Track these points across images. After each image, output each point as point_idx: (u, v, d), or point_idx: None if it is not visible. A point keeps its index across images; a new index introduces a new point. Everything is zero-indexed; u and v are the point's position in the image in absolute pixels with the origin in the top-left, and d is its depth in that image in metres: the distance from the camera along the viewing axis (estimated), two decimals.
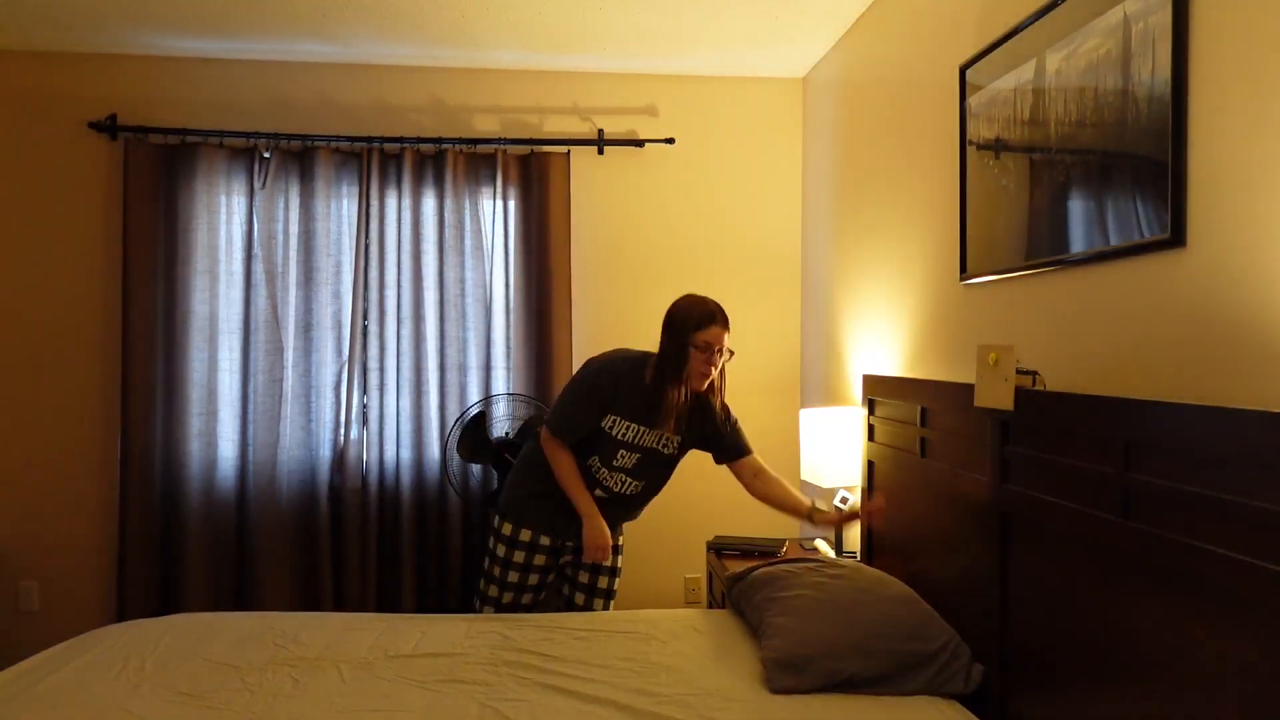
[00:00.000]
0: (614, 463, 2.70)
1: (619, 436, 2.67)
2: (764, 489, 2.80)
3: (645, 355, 2.70)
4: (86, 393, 3.81)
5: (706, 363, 2.59)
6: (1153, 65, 1.69)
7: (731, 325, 2.68)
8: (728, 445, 2.78)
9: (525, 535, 2.76)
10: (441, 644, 2.44)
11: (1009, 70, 2.23)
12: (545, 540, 2.76)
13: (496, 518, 2.84)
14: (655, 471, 2.76)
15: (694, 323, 2.58)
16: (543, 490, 2.76)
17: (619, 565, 2.92)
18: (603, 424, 2.66)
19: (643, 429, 2.67)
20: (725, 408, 2.78)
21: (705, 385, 2.64)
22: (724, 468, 2.86)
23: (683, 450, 2.78)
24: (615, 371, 2.69)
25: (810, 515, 2.76)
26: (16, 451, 3.79)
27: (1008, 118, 2.24)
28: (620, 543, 2.91)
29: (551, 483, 2.73)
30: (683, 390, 2.61)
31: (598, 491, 2.73)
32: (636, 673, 2.24)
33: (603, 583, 2.87)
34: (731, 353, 2.67)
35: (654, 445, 2.70)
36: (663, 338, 2.64)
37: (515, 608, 2.80)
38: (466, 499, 3.80)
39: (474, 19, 3.43)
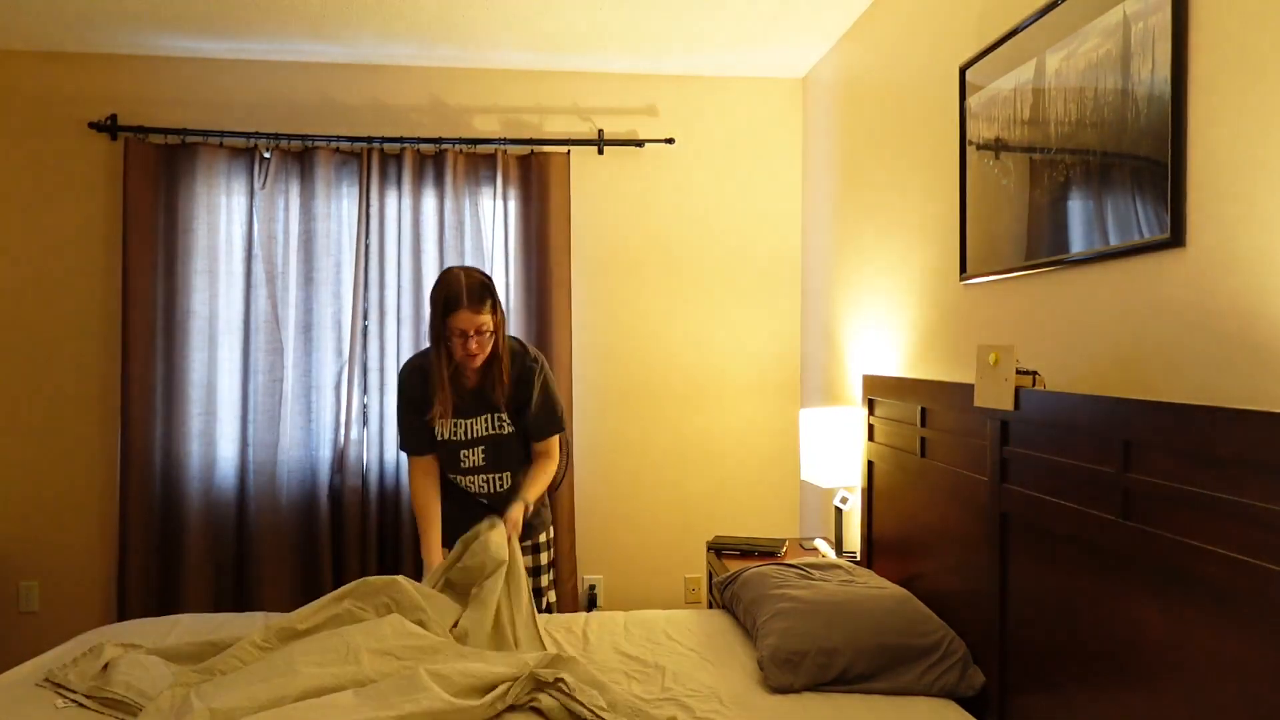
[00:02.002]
0: (463, 465, 2.61)
1: (450, 437, 2.59)
2: (533, 466, 2.65)
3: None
4: (86, 393, 3.81)
5: (464, 347, 2.45)
6: (1152, 65, 1.69)
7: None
8: (529, 425, 2.63)
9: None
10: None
11: (1009, 70, 2.23)
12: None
13: None
14: (510, 453, 2.63)
15: (442, 308, 2.45)
16: (448, 500, 2.69)
17: (550, 561, 2.79)
18: (436, 433, 2.59)
19: (464, 421, 2.58)
20: (544, 383, 2.62)
21: (481, 363, 2.51)
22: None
23: (517, 424, 2.62)
24: (417, 368, 2.62)
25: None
26: (17, 451, 3.79)
27: (1008, 118, 2.24)
28: (544, 539, 2.76)
29: (448, 494, 2.67)
30: (449, 366, 2.51)
31: (483, 500, 2.64)
32: (633, 674, 2.24)
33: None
34: (496, 326, 2.50)
35: (488, 431, 2.60)
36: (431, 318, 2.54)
37: None
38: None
39: (474, 19, 3.43)
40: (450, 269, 2.52)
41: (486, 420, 2.60)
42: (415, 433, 2.63)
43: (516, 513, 2.52)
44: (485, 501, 2.66)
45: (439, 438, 2.61)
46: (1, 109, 3.79)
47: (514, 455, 2.65)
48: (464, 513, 2.62)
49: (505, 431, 2.62)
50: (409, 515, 3.81)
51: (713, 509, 4.11)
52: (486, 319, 2.46)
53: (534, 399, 2.61)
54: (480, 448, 2.61)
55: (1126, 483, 1.61)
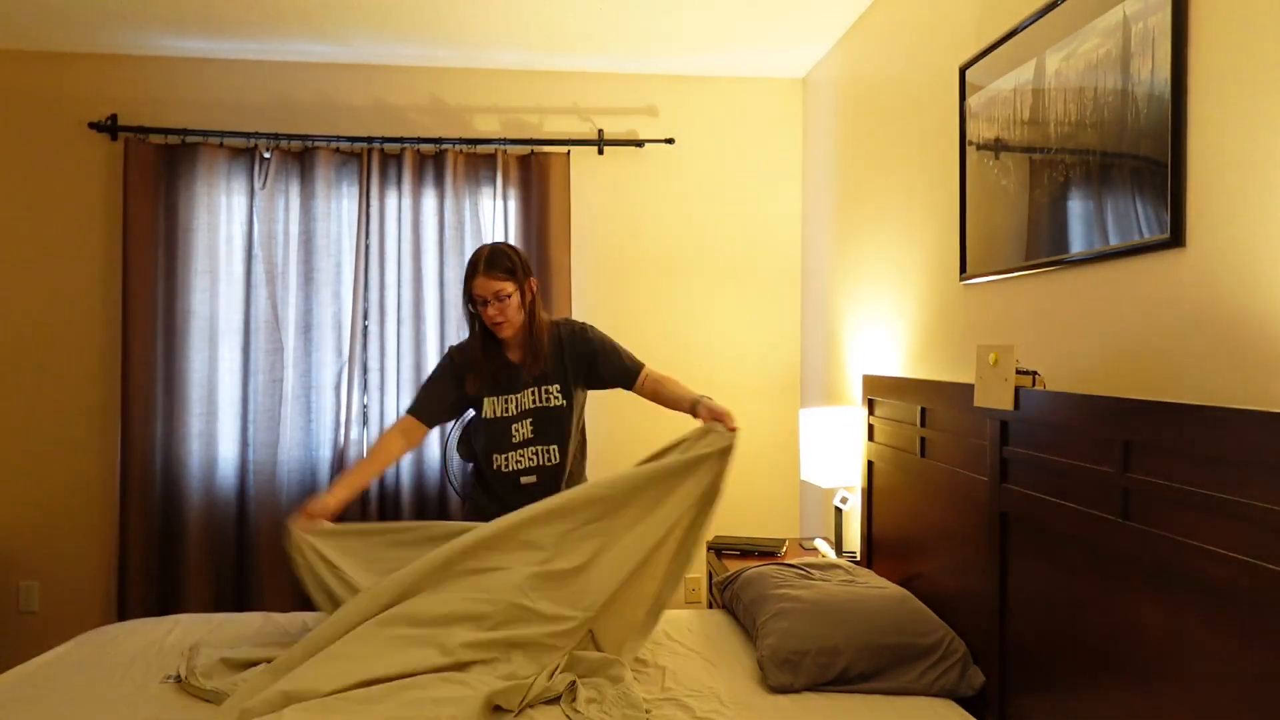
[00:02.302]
0: (514, 439, 2.62)
1: (501, 414, 2.62)
2: (655, 390, 2.68)
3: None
4: (86, 393, 3.81)
5: (485, 313, 2.54)
6: (1152, 65, 1.69)
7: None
8: (611, 374, 2.68)
9: None
10: None
11: (1009, 70, 2.23)
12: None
13: None
14: (558, 428, 2.65)
15: (466, 278, 2.56)
16: (487, 495, 2.70)
17: None
18: (484, 413, 2.62)
19: (513, 396, 2.62)
20: (601, 342, 2.68)
21: (510, 332, 2.58)
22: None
23: (570, 396, 2.65)
24: (460, 349, 2.70)
25: (693, 409, 2.60)
26: (17, 451, 3.79)
27: (1008, 118, 2.24)
28: None
29: (488, 487, 2.69)
30: (483, 339, 2.59)
31: (523, 480, 2.63)
32: (634, 674, 2.24)
33: None
34: (529, 291, 2.58)
35: (536, 404, 2.63)
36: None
37: None
38: (466, 499, 3.80)
39: (474, 19, 3.43)
40: (484, 245, 2.63)
41: (533, 394, 2.63)
42: (433, 399, 2.67)
43: (717, 405, 2.52)
44: (533, 479, 2.63)
45: (487, 417, 2.63)
46: (1, 109, 3.79)
47: (562, 428, 2.66)
48: (518, 500, 2.54)
49: (553, 404, 2.65)
50: (409, 515, 3.81)
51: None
52: (504, 285, 2.51)
53: (600, 354, 2.66)
54: (529, 420, 2.64)
55: (1126, 483, 1.61)
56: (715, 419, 2.47)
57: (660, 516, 2.34)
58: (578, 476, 2.76)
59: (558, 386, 2.64)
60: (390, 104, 3.95)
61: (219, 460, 3.78)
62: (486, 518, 2.49)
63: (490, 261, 2.53)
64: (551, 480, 2.65)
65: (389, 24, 3.48)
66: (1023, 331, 2.20)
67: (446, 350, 2.79)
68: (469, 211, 3.90)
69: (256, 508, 3.73)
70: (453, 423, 3.66)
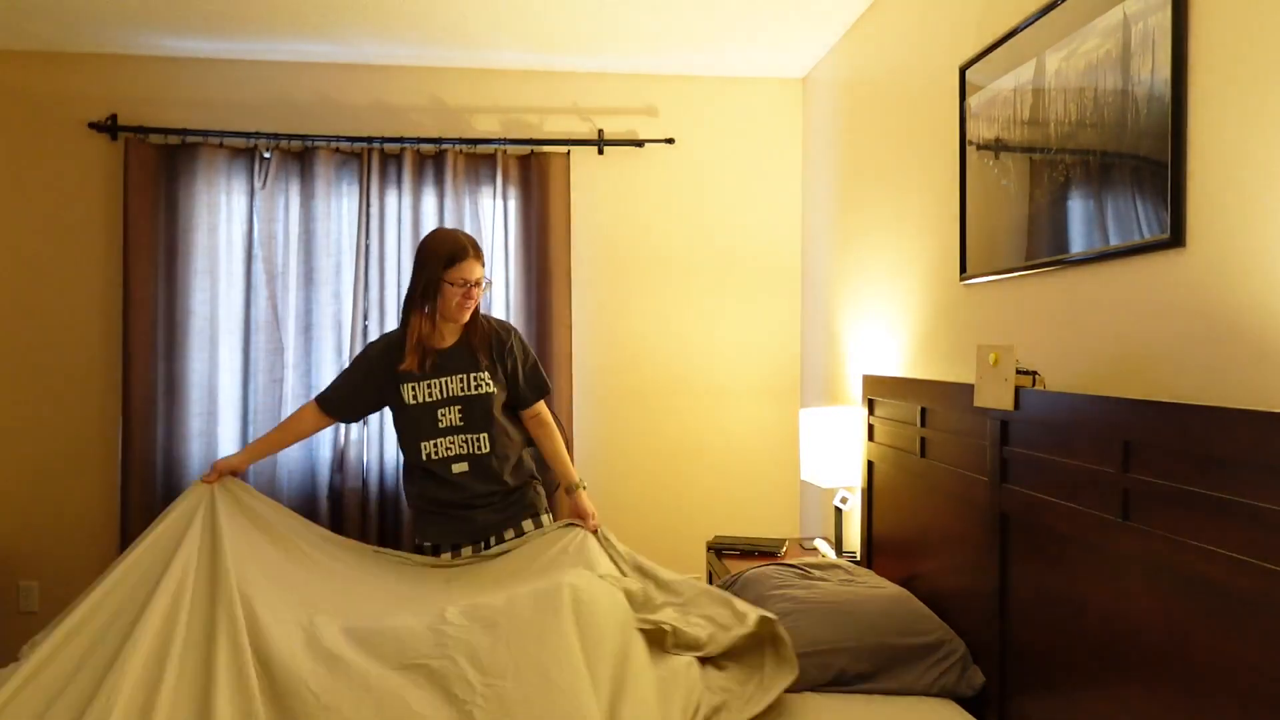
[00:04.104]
0: (440, 425, 2.62)
1: (425, 399, 2.62)
2: (539, 427, 2.77)
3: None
4: (87, 393, 3.81)
5: (465, 297, 2.57)
6: (1152, 65, 1.69)
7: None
8: (519, 391, 2.72)
9: (427, 545, 2.71)
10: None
11: (1009, 70, 2.23)
12: (467, 552, 2.65)
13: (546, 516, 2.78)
14: (486, 414, 2.64)
15: (446, 257, 2.55)
16: (421, 497, 2.69)
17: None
18: (405, 400, 2.61)
19: (438, 380, 2.63)
20: (524, 348, 2.75)
21: (466, 317, 2.62)
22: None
23: (496, 384, 2.66)
24: (383, 341, 2.72)
25: (568, 490, 2.72)
26: (17, 451, 3.79)
27: (1008, 118, 2.24)
28: (547, 521, 2.72)
29: (421, 487, 2.67)
30: (430, 322, 2.59)
31: (455, 468, 2.61)
32: None
33: None
34: (489, 282, 2.67)
35: (464, 391, 2.63)
36: (413, 274, 2.62)
37: None
38: (412, 507, 3.78)
39: (474, 19, 3.43)
40: (439, 229, 2.65)
41: (462, 380, 2.64)
42: (348, 389, 2.71)
43: (585, 501, 2.68)
44: (465, 467, 2.61)
45: (409, 402, 2.62)
46: (1, 109, 3.79)
47: (490, 416, 2.65)
48: (454, 494, 2.63)
49: (483, 391, 2.65)
50: (409, 515, 3.81)
51: (713, 509, 4.11)
52: (483, 272, 2.61)
53: (521, 361, 2.72)
54: (456, 407, 2.64)
55: (1126, 483, 1.61)
56: (579, 516, 2.64)
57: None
58: (521, 477, 2.71)
59: (487, 375, 2.66)
60: (390, 104, 3.95)
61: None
62: (434, 520, 2.61)
63: (477, 247, 2.60)
64: (482, 471, 2.63)
65: (389, 24, 3.47)
66: (1023, 331, 2.20)
67: (365, 349, 2.78)
68: (469, 211, 3.90)
69: None
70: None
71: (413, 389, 2.62)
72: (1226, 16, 1.54)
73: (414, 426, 2.64)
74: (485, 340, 2.67)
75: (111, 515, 3.78)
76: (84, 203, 3.81)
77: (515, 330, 2.77)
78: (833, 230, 3.72)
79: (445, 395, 2.63)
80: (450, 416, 2.64)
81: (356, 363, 2.77)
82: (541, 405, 2.79)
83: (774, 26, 3.50)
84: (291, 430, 2.79)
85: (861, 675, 2.14)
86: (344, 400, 2.73)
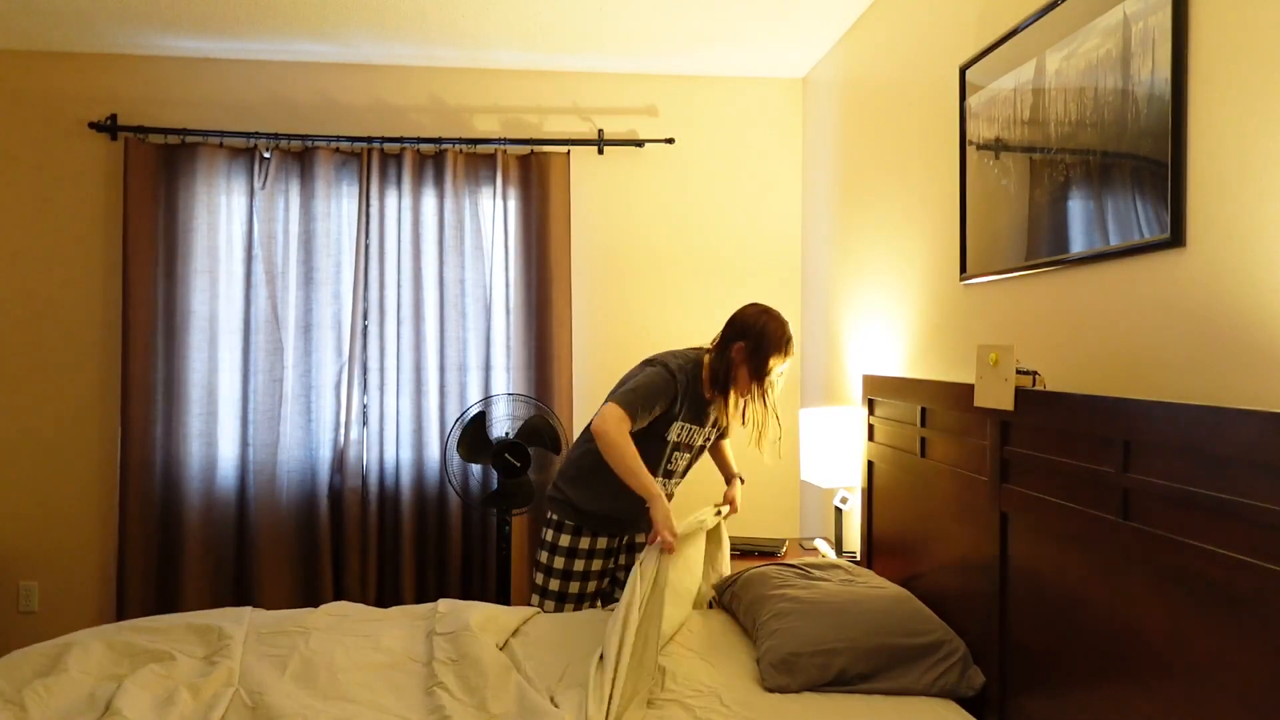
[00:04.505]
0: (668, 466, 2.68)
1: (678, 439, 2.66)
2: (715, 451, 2.94)
3: (699, 353, 2.67)
4: (86, 393, 3.81)
5: (767, 386, 2.59)
6: (1152, 65, 1.69)
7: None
8: (721, 430, 2.83)
9: (584, 543, 2.70)
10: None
11: (1009, 70, 2.23)
12: (602, 543, 2.72)
13: (549, 530, 2.72)
14: (689, 467, 2.79)
15: (780, 348, 2.57)
16: (602, 490, 2.63)
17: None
18: (667, 434, 2.61)
19: (694, 428, 2.68)
20: None
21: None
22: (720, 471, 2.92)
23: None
24: (686, 372, 2.61)
25: (727, 480, 2.92)
26: (17, 451, 3.79)
27: (1008, 118, 2.24)
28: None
29: (610, 483, 2.56)
30: (738, 400, 2.64)
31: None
32: None
33: None
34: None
35: (699, 443, 2.73)
36: (743, 348, 2.56)
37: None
38: (466, 499, 3.80)
39: (474, 19, 3.43)
40: (771, 311, 2.61)
41: (704, 434, 2.72)
42: (648, 412, 2.54)
43: (737, 491, 2.88)
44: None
45: (672, 438, 2.64)
46: (1, 109, 3.79)
47: (690, 467, 2.80)
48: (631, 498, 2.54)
49: (700, 443, 2.75)
50: (409, 515, 3.81)
51: None
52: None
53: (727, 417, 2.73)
54: (688, 456, 2.73)
55: (1126, 483, 1.61)
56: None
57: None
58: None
59: (713, 432, 2.77)
60: (390, 104, 3.95)
61: (219, 460, 3.78)
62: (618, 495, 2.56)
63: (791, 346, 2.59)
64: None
65: (389, 24, 3.48)
66: (1023, 331, 2.20)
67: (669, 364, 2.61)
68: (469, 211, 3.90)
69: (256, 508, 3.73)
70: (454, 423, 3.67)
71: (680, 428, 2.65)
72: (1226, 16, 1.54)
73: (652, 455, 2.61)
74: (732, 403, 2.66)
75: (111, 515, 3.78)
76: (84, 203, 3.81)
77: None
78: (833, 230, 3.72)
79: (691, 442, 2.70)
80: (681, 463, 2.73)
81: (658, 385, 2.56)
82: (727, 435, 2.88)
83: (774, 26, 3.50)
84: (634, 447, 2.51)
85: (862, 675, 2.14)
86: (644, 417, 2.57)
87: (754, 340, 2.56)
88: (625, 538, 2.80)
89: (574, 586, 2.72)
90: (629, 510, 2.60)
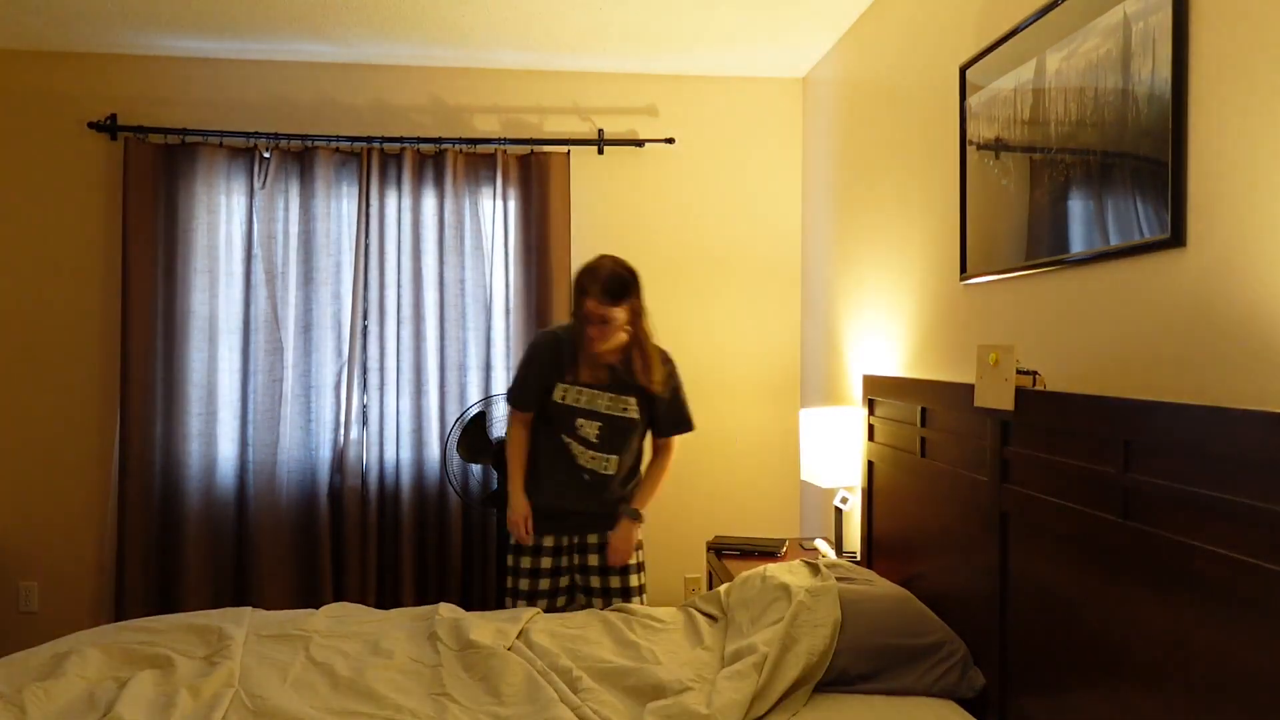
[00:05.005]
0: (578, 432, 2.69)
1: (572, 403, 2.68)
2: (659, 455, 2.85)
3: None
4: (86, 392, 3.81)
5: (586, 330, 2.61)
6: (1153, 65, 1.69)
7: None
8: (658, 419, 2.79)
9: (545, 540, 2.76)
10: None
11: (1009, 70, 2.23)
12: (549, 541, 2.75)
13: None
14: (623, 441, 2.72)
15: (579, 288, 2.61)
16: (541, 485, 2.75)
17: (640, 560, 2.84)
18: (554, 396, 2.67)
19: (589, 392, 2.68)
20: (671, 378, 2.77)
21: (602, 349, 2.65)
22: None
23: (643, 416, 2.75)
24: (553, 335, 2.75)
25: (629, 514, 2.78)
26: (16, 451, 3.79)
27: (1008, 118, 2.24)
28: (639, 540, 2.83)
29: (542, 479, 2.74)
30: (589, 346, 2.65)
31: (585, 476, 2.72)
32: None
33: (615, 583, 2.78)
34: (631, 322, 2.66)
35: (611, 411, 2.70)
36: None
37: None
38: (466, 499, 3.80)
39: (474, 19, 3.43)
40: (605, 256, 2.67)
41: (611, 399, 2.69)
42: (524, 388, 2.75)
43: (630, 532, 2.74)
44: (587, 478, 2.71)
45: (555, 399, 2.68)
46: (1, 109, 3.79)
47: (628, 444, 2.74)
48: (568, 477, 2.70)
49: (627, 415, 2.71)
50: (409, 515, 3.81)
51: (713, 509, 4.11)
52: (614, 312, 2.60)
53: (672, 394, 2.76)
54: (598, 424, 2.69)
55: (1126, 483, 1.61)
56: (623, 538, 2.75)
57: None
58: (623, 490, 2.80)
59: (635, 401, 2.71)
60: (390, 104, 3.95)
61: (218, 460, 3.78)
62: (552, 481, 2.67)
63: (607, 289, 2.58)
64: (602, 489, 2.72)
65: (389, 24, 3.47)
66: (1023, 331, 2.20)
67: (534, 339, 2.83)
68: (469, 211, 3.90)
69: (256, 508, 3.73)
70: (454, 423, 3.68)
71: (564, 390, 2.68)
72: (1226, 16, 1.54)
73: (559, 420, 2.69)
74: (658, 370, 2.70)
75: (111, 515, 3.78)
76: (84, 203, 3.81)
77: (676, 367, 2.81)
78: (833, 230, 3.72)
79: (591, 408, 2.69)
80: (588, 429, 2.70)
81: (523, 361, 2.79)
82: (674, 441, 2.83)
83: (774, 26, 3.50)
84: (519, 444, 2.78)
85: (862, 675, 2.14)
86: (526, 395, 2.76)
87: (574, 286, 2.66)
88: (575, 538, 2.78)
89: (544, 583, 2.75)
90: (568, 505, 2.70)
